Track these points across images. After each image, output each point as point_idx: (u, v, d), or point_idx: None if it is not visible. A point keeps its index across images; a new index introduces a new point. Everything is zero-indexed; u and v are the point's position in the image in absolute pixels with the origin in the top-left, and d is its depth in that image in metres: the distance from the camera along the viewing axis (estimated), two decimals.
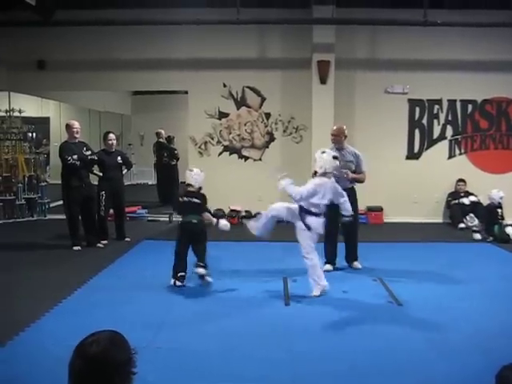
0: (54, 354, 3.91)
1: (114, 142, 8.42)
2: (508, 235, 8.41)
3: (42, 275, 6.30)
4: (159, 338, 4.39)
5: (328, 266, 6.58)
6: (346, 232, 6.72)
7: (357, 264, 6.82)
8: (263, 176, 10.07)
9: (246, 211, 10.15)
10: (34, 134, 11.08)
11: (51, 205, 10.91)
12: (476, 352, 4.14)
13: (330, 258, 6.68)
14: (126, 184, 8.95)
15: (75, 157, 7.52)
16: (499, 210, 8.74)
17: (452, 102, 10.36)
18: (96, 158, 7.91)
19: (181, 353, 4.11)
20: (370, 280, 6.22)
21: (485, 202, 9.28)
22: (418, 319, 4.90)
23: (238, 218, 10.11)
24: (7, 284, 5.94)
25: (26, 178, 10.41)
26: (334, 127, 6.90)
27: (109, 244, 8.06)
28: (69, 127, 7.80)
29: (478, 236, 8.68)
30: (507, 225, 8.58)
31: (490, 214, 8.74)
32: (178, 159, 12.77)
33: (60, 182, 7.96)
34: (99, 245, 7.92)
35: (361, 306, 5.28)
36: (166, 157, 12.82)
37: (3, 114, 10.59)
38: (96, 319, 4.53)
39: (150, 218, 10.58)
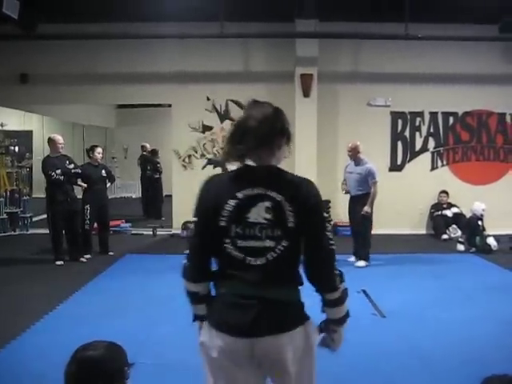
0: (35, 370, 3.88)
1: (101, 155, 8.42)
2: (489, 246, 8.51)
3: (23, 290, 6.24)
4: (143, 353, 4.34)
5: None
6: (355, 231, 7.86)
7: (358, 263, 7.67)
8: None
9: None
10: (17, 148, 11.02)
11: (34, 219, 10.82)
12: (459, 363, 4.16)
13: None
14: (109, 197, 8.90)
15: (58, 171, 7.47)
16: (480, 222, 8.83)
17: (434, 115, 10.49)
18: (79, 172, 7.88)
19: (166, 368, 4.09)
20: (353, 292, 6.16)
21: (467, 213, 9.38)
22: (401, 331, 4.92)
23: None
24: None
25: (8, 192, 10.32)
26: (348, 144, 7.82)
27: (92, 258, 8.01)
28: (53, 142, 7.74)
29: (461, 247, 8.76)
30: (489, 235, 8.66)
31: (472, 225, 8.82)
32: (160, 172, 12.76)
33: (43, 195, 7.91)
34: (82, 259, 7.86)
35: None
36: (150, 170, 12.81)
37: None
38: (79, 335, 4.43)
39: (133, 232, 10.53)
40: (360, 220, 7.58)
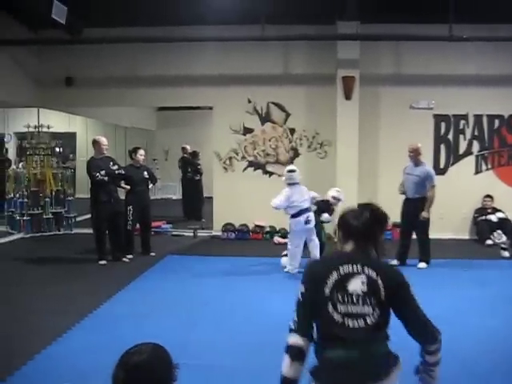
0: (80, 368, 3.96)
1: (144, 157, 8.55)
2: None
3: (68, 289, 6.39)
4: (184, 353, 4.36)
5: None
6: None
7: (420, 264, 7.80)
8: None
9: (271, 227, 10.16)
10: (62, 149, 11.28)
11: (78, 219, 11.05)
12: (504, 372, 4.07)
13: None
14: (150, 198, 9.02)
15: (103, 172, 7.62)
16: None
17: (478, 117, 10.27)
18: (123, 173, 8.01)
19: (206, 369, 4.10)
20: None
21: None
22: (444, 337, 4.81)
23: (263, 234, 10.13)
24: (33, 298, 6.02)
25: (54, 193, 10.57)
26: (409, 146, 7.91)
27: (134, 258, 8.14)
28: (97, 143, 7.90)
29: (506, 253, 8.54)
30: None
31: None
32: (201, 174, 12.85)
33: (86, 196, 8.07)
34: (125, 259, 7.99)
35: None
36: (190, 172, 12.92)
37: (32, 129, 10.81)
38: (122, 334, 4.55)
39: (174, 233, 10.64)
40: (416, 223, 7.69)
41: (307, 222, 7.17)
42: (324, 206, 7.81)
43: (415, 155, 7.80)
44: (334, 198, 7.76)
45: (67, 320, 5.12)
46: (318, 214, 7.63)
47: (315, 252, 7.30)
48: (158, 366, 1.88)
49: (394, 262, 7.70)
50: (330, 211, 7.81)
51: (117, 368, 1.85)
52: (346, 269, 2.35)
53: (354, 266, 2.36)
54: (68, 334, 4.78)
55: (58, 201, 10.64)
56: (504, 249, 8.62)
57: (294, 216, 7.21)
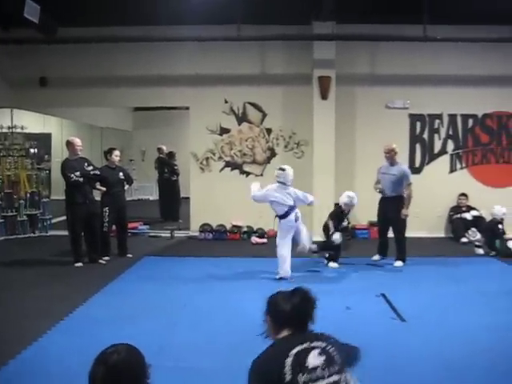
0: (56, 372, 3.90)
1: (119, 158, 8.47)
2: (510, 249, 8.40)
3: (43, 292, 6.29)
4: (162, 356, 4.35)
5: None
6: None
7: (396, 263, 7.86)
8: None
9: (248, 227, 10.16)
10: (36, 150, 11.12)
11: (53, 221, 10.92)
12: (482, 370, 4.11)
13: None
14: (127, 200, 8.94)
15: (77, 173, 7.53)
16: (500, 226, 8.74)
17: (453, 117, 10.41)
18: (98, 174, 7.92)
19: (185, 371, 4.08)
20: (372, 296, 6.19)
21: (487, 216, 9.29)
22: (422, 335, 4.88)
23: (240, 234, 10.12)
24: (8, 301, 5.92)
25: (28, 194, 10.42)
26: (385, 146, 8.07)
27: (111, 260, 8.06)
28: (71, 144, 7.80)
29: (480, 251, 8.68)
30: (509, 239, 8.57)
31: (492, 229, 8.73)
32: (178, 175, 12.80)
33: (62, 197, 7.96)
34: (101, 261, 7.92)
35: (364, 322, 5.25)
36: (167, 172, 12.85)
37: (6, 130, 10.64)
38: (99, 337, 4.51)
39: (151, 234, 10.57)
40: (395, 220, 7.82)
41: (297, 218, 7.10)
42: (336, 213, 7.82)
43: (392, 155, 7.95)
44: (345, 204, 7.67)
45: (42, 324, 5.04)
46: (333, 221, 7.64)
47: (305, 241, 7.33)
48: (134, 365, 1.98)
49: (376, 257, 7.96)
50: (343, 216, 7.77)
51: (96, 366, 1.91)
52: (297, 350, 2.33)
53: (303, 344, 2.36)
54: (43, 338, 4.71)
55: (32, 203, 10.49)
56: (478, 246, 8.76)
57: (282, 216, 7.07)
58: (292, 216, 7.04)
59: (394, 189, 7.82)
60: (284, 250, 7.01)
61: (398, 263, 7.84)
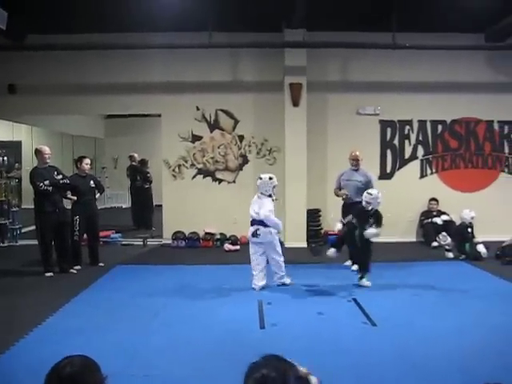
0: None
1: (89, 166, 8.39)
2: (479, 252, 8.55)
3: (12, 303, 6.19)
4: (134, 364, 4.33)
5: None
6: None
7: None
8: (237, 198, 10.11)
9: (221, 234, 10.14)
10: (6, 159, 10.95)
11: (23, 230, 10.74)
12: (451, 372, 4.17)
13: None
14: (99, 208, 8.85)
15: (47, 182, 7.43)
16: (469, 229, 8.87)
17: (422, 123, 10.56)
18: (68, 182, 7.83)
19: (156, 379, 4.06)
20: (344, 301, 6.24)
21: (457, 220, 9.43)
22: (392, 339, 4.92)
23: (213, 241, 10.10)
24: None
25: None
26: (352, 153, 8.14)
27: (82, 269, 7.96)
28: (39, 153, 7.70)
29: (450, 254, 8.80)
30: (478, 242, 8.71)
31: (461, 232, 8.86)
32: (151, 182, 12.72)
33: (32, 206, 7.84)
34: (72, 270, 7.82)
35: (336, 327, 5.29)
36: (140, 180, 12.76)
37: None
38: (69, 347, 4.42)
39: (124, 243, 10.48)
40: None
41: (254, 235, 6.74)
42: (358, 212, 7.16)
43: (358, 162, 8.07)
44: (367, 202, 7.01)
45: (11, 335, 4.96)
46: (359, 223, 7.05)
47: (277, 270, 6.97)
48: (89, 377, 1.91)
49: (348, 262, 7.89)
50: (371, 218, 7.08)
51: (48, 379, 1.85)
52: None
53: None
54: (11, 351, 4.63)
55: (1, 211, 10.32)
56: (448, 250, 8.89)
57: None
58: (252, 228, 6.78)
59: (359, 195, 7.68)
60: (252, 259, 6.86)
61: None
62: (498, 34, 9.62)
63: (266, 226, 6.68)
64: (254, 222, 6.75)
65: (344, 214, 7.90)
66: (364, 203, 7.04)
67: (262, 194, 6.77)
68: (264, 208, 6.64)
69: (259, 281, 6.77)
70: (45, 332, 5.17)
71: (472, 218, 8.85)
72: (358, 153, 8.12)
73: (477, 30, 9.72)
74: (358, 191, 7.81)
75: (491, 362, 4.28)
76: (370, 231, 6.96)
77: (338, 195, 8.15)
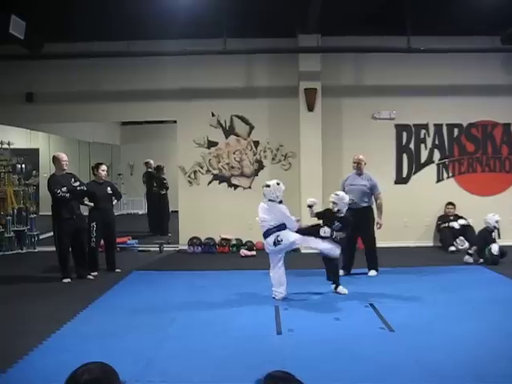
0: None
1: (106, 172, 8.45)
2: (495, 256, 8.43)
3: (31, 309, 6.24)
4: (150, 371, 4.33)
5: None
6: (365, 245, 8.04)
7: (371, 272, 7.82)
8: (253, 204, 10.09)
9: (237, 239, 10.15)
10: (24, 166, 11.08)
11: (41, 237, 10.85)
12: (468, 377, 4.12)
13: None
14: (116, 214, 8.90)
15: (64, 189, 7.50)
16: (493, 234, 8.71)
17: (438, 127, 10.50)
18: (85, 189, 7.90)
19: None
20: (361, 306, 6.20)
21: (474, 224, 9.36)
22: (410, 344, 4.88)
23: (229, 247, 10.11)
24: None
25: (15, 210, 10.36)
26: (355, 156, 8.08)
27: (99, 276, 8.01)
28: (57, 160, 7.78)
29: (470, 259, 8.69)
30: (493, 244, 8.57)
31: (485, 236, 8.71)
32: (167, 188, 12.78)
33: (50, 213, 7.92)
34: (89, 277, 7.87)
35: (353, 333, 5.25)
36: (156, 186, 12.84)
37: None
38: (86, 353, 4.46)
39: (140, 249, 10.54)
40: (367, 231, 7.79)
41: (276, 242, 6.41)
42: (327, 215, 6.90)
43: (361, 166, 7.98)
44: (333, 203, 6.82)
45: (29, 341, 4.99)
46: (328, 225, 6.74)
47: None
48: None
49: (341, 272, 7.40)
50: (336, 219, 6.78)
51: None
52: None
53: None
54: (29, 356, 4.65)
55: (20, 219, 10.43)
56: (469, 254, 8.77)
57: (264, 236, 6.59)
58: (270, 239, 6.46)
59: (364, 199, 7.78)
60: (272, 272, 6.63)
61: (373, 272, 7.85)
62: None
63: (282, 228, 6.43)
64: (270, 232, 6.46)
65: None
66: (330, 204, 6.88)
67: (270, 200, 6.45)
68: (285, 216, 6.45)
69: (283, 292, 6.55)
70: (62, 338, 5.19)
71: (497, 221, 8.70)
72: (361, 156, 8.04)
73: (492, 32, 9.64)
74: (363, 196, 7.78)
75: (508, 370, 4.23)
76: (324, 230, 6.66)
77: None
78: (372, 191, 7.82)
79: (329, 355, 4.61)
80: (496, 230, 8.74)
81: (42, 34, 9.05)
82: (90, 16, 8.60)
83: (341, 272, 7.34)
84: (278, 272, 6.55)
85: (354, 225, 7.30)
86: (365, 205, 7.77)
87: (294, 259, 7.69)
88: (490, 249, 8.52)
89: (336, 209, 6.81)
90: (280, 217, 6.45)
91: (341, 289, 6.77)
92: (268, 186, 6.52)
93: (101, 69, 10.10)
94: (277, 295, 6.52)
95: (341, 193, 7.01)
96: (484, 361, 4.44)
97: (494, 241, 8.68)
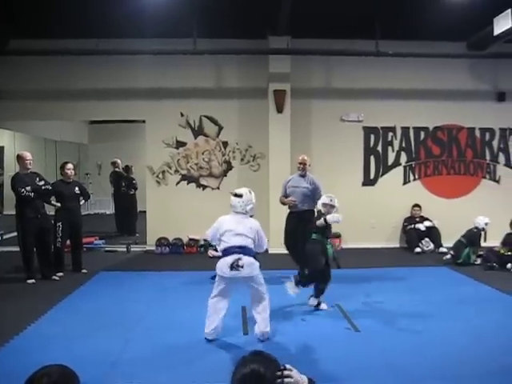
0: None
1: (72, 172, 8.31)
2: (471, 261, 8.68)
3: None
4: (116, 372, 4.30)
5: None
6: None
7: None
8: (222, 205, 10.08)
9: (205, 240, 10.09)
10: None
11: (4, 236, 10.64)
12: (434, 377, 4.19)
13: None
14: (83, 214, 8.78)
15: (28, 188, 7.37)
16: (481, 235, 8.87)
17: (405, 129, 10.65)
18: (50, 188, 7.77)
19: None
20: (328, 306, 6.24)
21: (440, 226, 9.53)
22: (376, 345, 4.94)
23: (197, 247, 10.08)
24: None
25: None
26: (300, 157, 7.68)
27: (65, 276, 7.89)
28: (21, 159, 7.64)
29: (448, 256, 8.94)
30: (479, 255, 8.76)
31: (473, 236, 8.83)
32: (136, 189, 12.67)
33: (14, 212, 7.77)
34: (55, 277, 7.74)
35: (319, 334, 5.29)
36: (124, 186, 12.71)
37: None
38: (50, 355, 4.39)
39: (107, 249, 10.40)
40: (303, 236, 6.62)
41: (234, 266, 5.01)
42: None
43: (306, 167, 7.58)
44: (324, 205, 6.10)
45: None
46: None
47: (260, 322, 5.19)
48: None
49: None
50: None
51: None
52: None
53: None
54: None
55: None
56: (446, 253, 9.11)
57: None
58: (226, 260, 5.06)
59: (306, 203, 7.37)
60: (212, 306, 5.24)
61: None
62: (479, 42, 9.73)
63: (249, 254, 5.09)
64: (231, 250, 5.08)
65: (289, 223, 7.53)
66: (324, 208, 6.14)
67: (243, 213, 5.31)
68: (261, 236, 5.31)
69: (212, 325, 5.16)
70: (26, 340, 5.11)
71: (486, 224, 8.83)
72: (306, 157, 7.65)
73: (459, 38, 9.83)
74: (304, 199, 7.40)
75: (473, 368, 4.33)
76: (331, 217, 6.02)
77: (283, 203, 7.64)
78: (314, 195, 7.33)
79: (296, 356, 4.64)
80: (483, 233, 8.87)
81: (8, 30, 8.89)
82: (59, 13, 8.44)
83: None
84: (217, 305, 5.20)
85: (295, 229, 7.18)
86: (305, 208, 7.32)
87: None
88: (471, 252, 8.71)
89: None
90: (252, 235, 5.20)
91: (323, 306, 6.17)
92: (239, 195, 5.35)
93: (70, 67, 9.94)
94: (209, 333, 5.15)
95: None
96: (452, 361, 4.52)
97: (479, 243, 8.81)
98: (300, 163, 7.59)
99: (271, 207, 9.72)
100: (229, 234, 5.15)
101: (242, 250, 5.06)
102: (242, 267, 4.99)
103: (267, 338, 5.12)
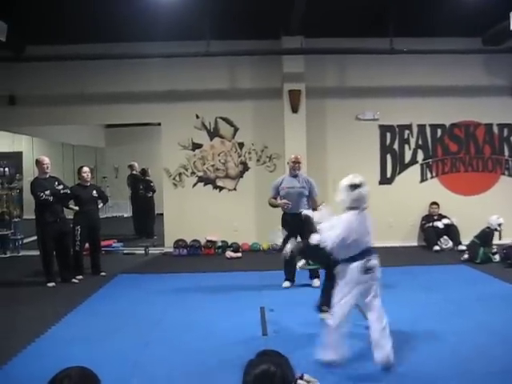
0: None
1: (89, 175, 8.38)
2: (490, 258, 8.56)
3: (15, 313, 6.20)
4: (135, 374, 4.32)
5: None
6: None
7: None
8: (238, 206, 10.17)
9: (223, 241, 10.14)
10: (7, 170, 10.98)
11: (25, 241, 10.76)
12: (449, 377, 4.16)
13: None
14: (101, 217, 8.85)
15: (47, 192, 7.45)
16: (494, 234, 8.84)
17: (422, 127, 10.57)
18: (69, 192, 7.85)
19: None
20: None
21: (459, 224, 9.47)
22: (394, 344, 4.90)
23: (215, 249, 10.10)
24: None
25: None
26: (293, 156, 7.45)
27: (84, 279, 7.96)
28: (39, 163, 7.73)
29: (465, 256, 8.84)
30: (495, 252, 8.67)
31: (486, 235, 8.78)
32: (154, 191, 12.74)
33: (34, 217, 7.86)
34: (74, 280, 7.82)
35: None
36: (142, 189, 12.78)
37: None
38: (71, 357, 4.43)
39: (125, 252, 10.47)
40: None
41: (367, 270, 4.68)
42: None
43: (300, 166, 7.34)
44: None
45: (12, 346, 4.95)
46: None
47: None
48: None
49: (287, 283, 7.24)
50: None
51: None
52: None
53: None
54: (13, 362, 4.62)
55: (3, 223, 10.33)
56: (463, 251, 9.00)
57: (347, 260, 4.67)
58: (359, 263, 4.64)
59: (304, 204, 7.08)
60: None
61: (316, 282, 7.09)
62: (494, 37, 9.64)
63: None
64: (366, 252, 4.77)
65: (284, 226, 7.12)
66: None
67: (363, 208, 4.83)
68: None
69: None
70: (47, 342, 5.17)
71: (499, 224, 8.78)
72: (299, 156, 7.43)
73: (474, 34, 9.75)
74: (300, 199, 7.12)
75: (491, 367, 4.29)
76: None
77: (274, 205, 7.28)
78: (311, 194, 7.17)
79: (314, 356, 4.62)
80: (497, 232, 8.88)
81: (24, 37, 8.99)
82: (72, 18, 8.53)
83: (287, 283, 7.17)
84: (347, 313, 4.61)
85: (295, 230, 6.73)
86: (302, 210, 6.72)
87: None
88: (489, 250, 8.63)
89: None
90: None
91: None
92: (358, 185, 4.73)
93: (84, 71, 10.03)
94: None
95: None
96: (468, 359, 4.49)
97: (492, 243, 8.77)
98: (294, 162, 7.27)
99: None
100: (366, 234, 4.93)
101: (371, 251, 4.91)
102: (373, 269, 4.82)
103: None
